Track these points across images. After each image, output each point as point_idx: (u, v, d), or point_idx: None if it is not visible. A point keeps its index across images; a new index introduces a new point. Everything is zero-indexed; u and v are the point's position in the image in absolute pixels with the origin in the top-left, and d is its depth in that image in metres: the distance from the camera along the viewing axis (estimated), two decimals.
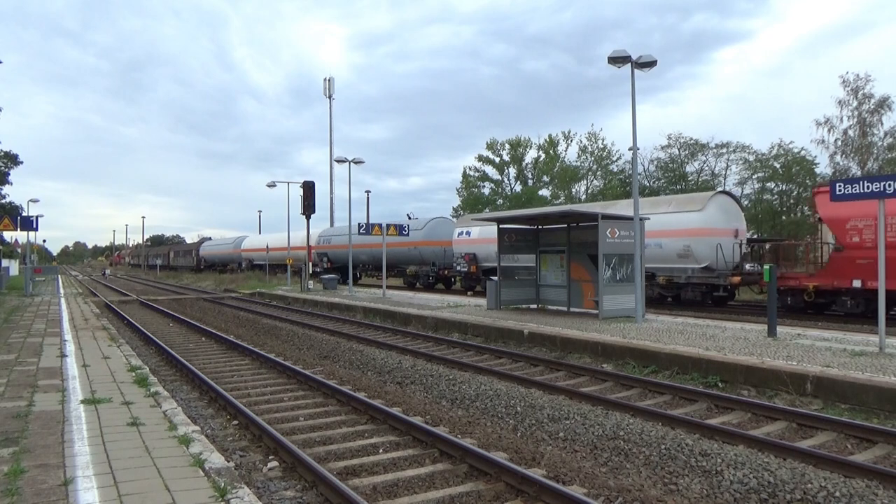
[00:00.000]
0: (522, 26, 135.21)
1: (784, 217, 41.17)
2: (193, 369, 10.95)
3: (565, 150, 57.83)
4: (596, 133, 55.60)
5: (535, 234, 19.20)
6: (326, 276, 33.42)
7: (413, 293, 29.13)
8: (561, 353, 12.74)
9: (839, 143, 38.34)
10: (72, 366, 9.67)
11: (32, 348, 11.55)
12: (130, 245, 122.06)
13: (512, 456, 6.56)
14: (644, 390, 9.69)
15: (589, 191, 53.58)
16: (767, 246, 24.36)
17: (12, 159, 43.53)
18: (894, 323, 15.31)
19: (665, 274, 22.16)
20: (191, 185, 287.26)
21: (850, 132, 37.93)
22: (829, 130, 38.40)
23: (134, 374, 9.06)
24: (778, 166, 42.21)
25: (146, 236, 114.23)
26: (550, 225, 19.02)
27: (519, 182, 61.17)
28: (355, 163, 31.35)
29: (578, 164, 55.64)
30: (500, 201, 58.69)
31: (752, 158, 43.99)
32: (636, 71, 14.92)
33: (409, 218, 38.89)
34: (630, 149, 19.02)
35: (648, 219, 18.22)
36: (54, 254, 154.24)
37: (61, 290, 33.94)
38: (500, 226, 19.40)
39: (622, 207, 22.92)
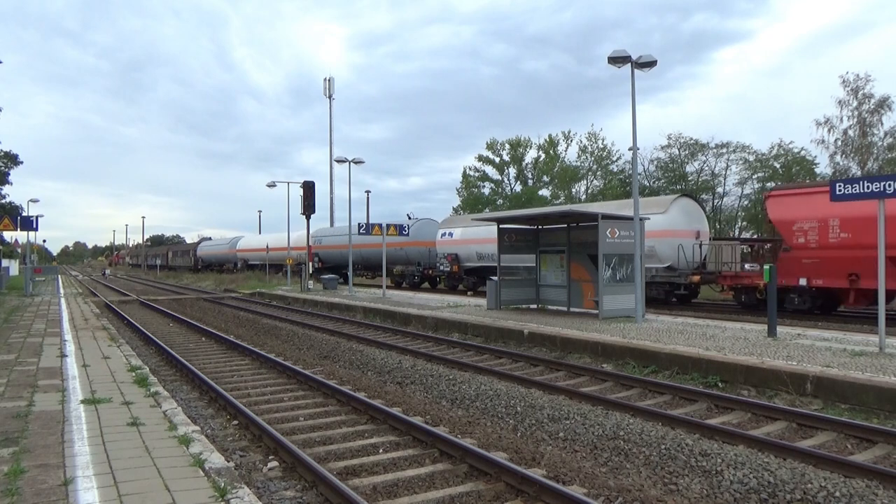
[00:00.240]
0: (522, 26, 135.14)
1: None
2: (193, 369, 10.96)
3: (565, 150, 57.98)
4: (596, 133, 55.75)
5: (535, 234, 19.21)
6: (327, 276, 33.42)
7: (413, 293, 29.16)
8: (561, 353, 12.74)
9: (839, 143, 38.41)
10: (72, 366, 9.67)
11: (32, 348, 11.55)
12: (130, 245, 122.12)
13: (512, 456, 6.56)
14: (644, 390, 9.69)
15: (589, 191, 53.63)
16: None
17: (12, 159, 43.59)
18: (893, 323, 15.32)
19: None
20: (191, 185, 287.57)
21: (850, 132, 38.00)
22: (829, 130, 38.50)
23: (134, 374, 9.06)
24: (778, 166, 42.30)
25: (146, 236, 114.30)
26: (550, 225, 19.05)
27: (519, 182, 61.22)
28: (355, 163, 31.37)
29: (578, 164, 55.74)
30: (500, 201, 58.70)
31: (752, 158, 44.13)
32: (636, 71, 14.94)
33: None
34: (630, 149, 19.12)
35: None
36: (54, 254, 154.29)
37: (61, 290, 33.94)
38: (501, 226, 19.42)
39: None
